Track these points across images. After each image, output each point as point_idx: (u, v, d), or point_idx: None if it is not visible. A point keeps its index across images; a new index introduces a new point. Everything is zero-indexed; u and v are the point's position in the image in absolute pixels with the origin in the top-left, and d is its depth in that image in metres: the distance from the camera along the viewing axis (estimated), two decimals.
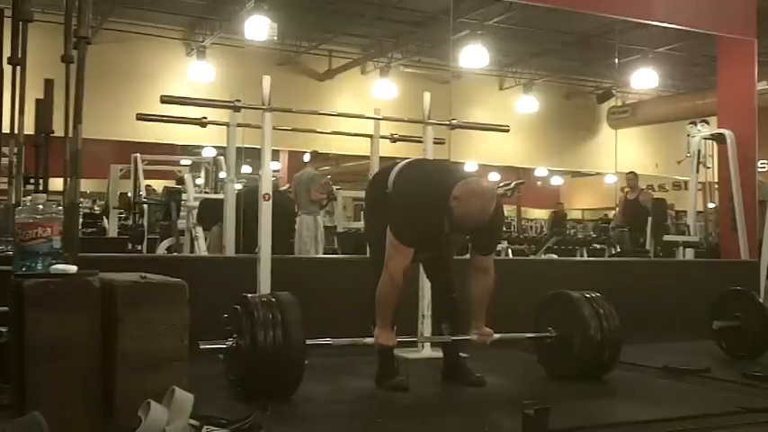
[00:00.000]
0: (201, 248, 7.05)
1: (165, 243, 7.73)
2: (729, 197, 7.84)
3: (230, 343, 3.29)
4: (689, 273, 6.64)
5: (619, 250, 9.76)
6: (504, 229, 10.50)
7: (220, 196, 6.32)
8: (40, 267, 2.79)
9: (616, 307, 3.94)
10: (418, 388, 3.62)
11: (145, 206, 9.17)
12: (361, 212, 4.98)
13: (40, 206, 2.87)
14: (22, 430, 2.29)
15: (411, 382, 3.60)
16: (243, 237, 5.48)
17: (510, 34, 12.42)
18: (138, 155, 9.87)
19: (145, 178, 10.07)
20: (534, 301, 4.10)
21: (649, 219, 9.40)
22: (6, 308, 2.81)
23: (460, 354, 3.86)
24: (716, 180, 8.51)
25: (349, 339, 3.57)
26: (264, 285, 4.06)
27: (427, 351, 4.47)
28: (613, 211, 13.52)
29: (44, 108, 4.40)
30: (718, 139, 8.19)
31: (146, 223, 9.06)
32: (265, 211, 4.16)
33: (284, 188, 9.35)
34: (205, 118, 5.19)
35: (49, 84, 4.29)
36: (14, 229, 2.95)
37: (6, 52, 4.03)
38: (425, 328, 4.46)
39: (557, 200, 17.49)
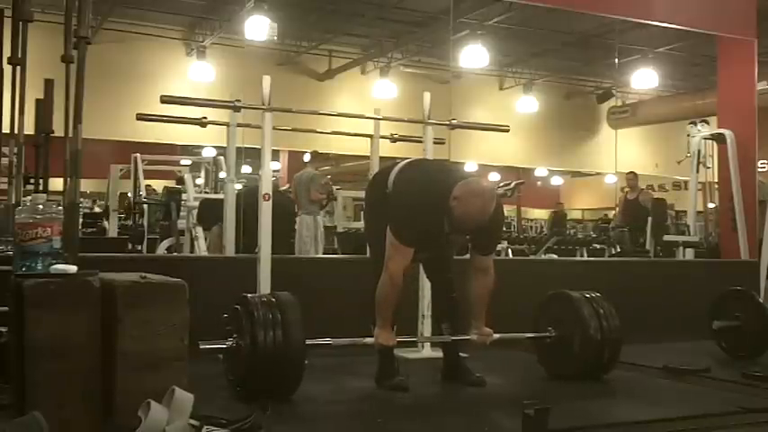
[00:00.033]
0: (201, 248, 7.05)
1: (165, 243, 7.73)
2: (729, 197, 7.84)
3: (230, 343, 3.29)
4: (689, 273, 6.64)
5: (619, 250, 9.76)
6: (504, 229, 10.50)
7: (220, 196, 6.32)
8: (40, 267, 2.79)
9: (616, 307, 3.94)
10: (418, 388, 3.62)
11: (145, 206, 9.18)
12: (361, 212, 4.98)
13: (40, 206, 2.87)
14: (22, 430, 2.29)
15: (411, 382, 3.60)
16: (243, 237, 5.48)
17: (510, 34, 12.42)
18: (138, 155, 9.88)
19: (145, 178, 10.08)
20: (534, 301, 4.09)
21: (649, 219, 9.40)
22: (6, 308, 2.81)
23: (460, 354, 3.86)
24: (716, 180, 8.51)
25: (349, 339, 3.57)
26: (264, 285, 4.06)
27: (427, 351, 4.47)
28: (613, 211, 13.53)
29: (44, 108, 4.40)
30: (718, 139, 8.19)
31: (146, 223, 9.06)
32: (265, 211, 4.16)
33: (284, 188, 9.36)
34: (205, 118, 5.19)
35: (49, 84, 4.29)
36: (14, 229, 2.95)
37: (6, 52, 4.03)
38: (425, 328, 4.46)
39: (557, 200, 17.49)
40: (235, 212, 5.53)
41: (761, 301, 4.83)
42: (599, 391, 3.78)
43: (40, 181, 4.54)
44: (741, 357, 4.62)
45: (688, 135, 8.78)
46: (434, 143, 4.78)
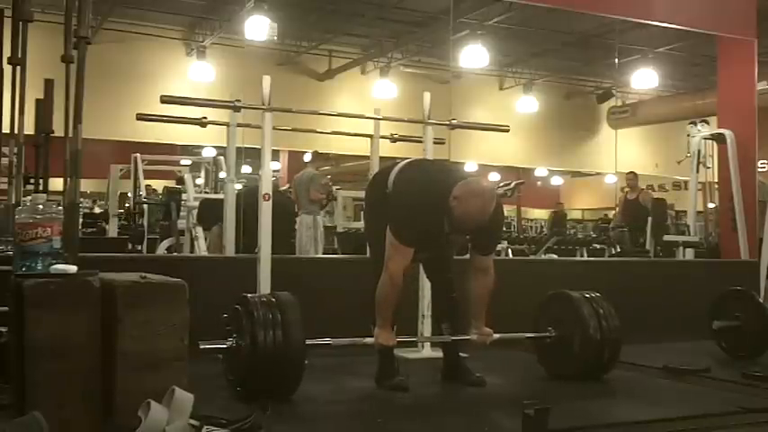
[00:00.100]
0: (201, 248, 7.05)
1: (165, 243, 7.73)
2: (729, 197, 7.84)
3: (230, 343, 3.29)
4: (689, 273, 6.64)
5: (619, 250, 9.76)
6: (504, 229, 10.50)
7: (220, 196, 6.32)
8: (40, 267, 2.79)
9: (616, 307, 3.94)
10: (418, 388, 3.62)
11: (145, 206, 9.18)
12: (361, 212, 4.98)
13: (40, 206, 2.87)
14: (22, 430, 2.29)
15: (411, 382, 3.60)
16: (243, 237, 5.48)
17: (510, 34, 12.42)
18: (138, 155, 9.89)
19: (145, 178, 10.09)
20: (534, 301, 4.09)
21: (649, 219, 9.39)
22: (6, 308, 2.81)
23: (460, 354, 3.86)
24: (716, 180, 8.51)
25: (349, 339, 3.57)
26: (264, 285, 4.06)
27: (427, 351, 4.47)
28: (613, 211, 13.52)
29: (44, 108, 4.40)
30: (718, 139, 8.19)
31: (146, 223, 9.06)
32: (265, 211, 4.17)
33: (284, 188, 9.36)
34: (205, 118, 5.19)
35: (49, 84, 4.29)
36: (14, 229, 2.95)
37: (6, 52, 4.03)
38: (425, 328, 4.46)
39: (557, 200, 17.49)
40: (235, 212, 5.53)
41: (761, 301, 4.83)
42: (599, 391, 3.78)
43: (40, 181, 4.53)
44: (741, 357, 4.62)
45: (688, 135, 8.78)
46: (434, 143, 4.79)
